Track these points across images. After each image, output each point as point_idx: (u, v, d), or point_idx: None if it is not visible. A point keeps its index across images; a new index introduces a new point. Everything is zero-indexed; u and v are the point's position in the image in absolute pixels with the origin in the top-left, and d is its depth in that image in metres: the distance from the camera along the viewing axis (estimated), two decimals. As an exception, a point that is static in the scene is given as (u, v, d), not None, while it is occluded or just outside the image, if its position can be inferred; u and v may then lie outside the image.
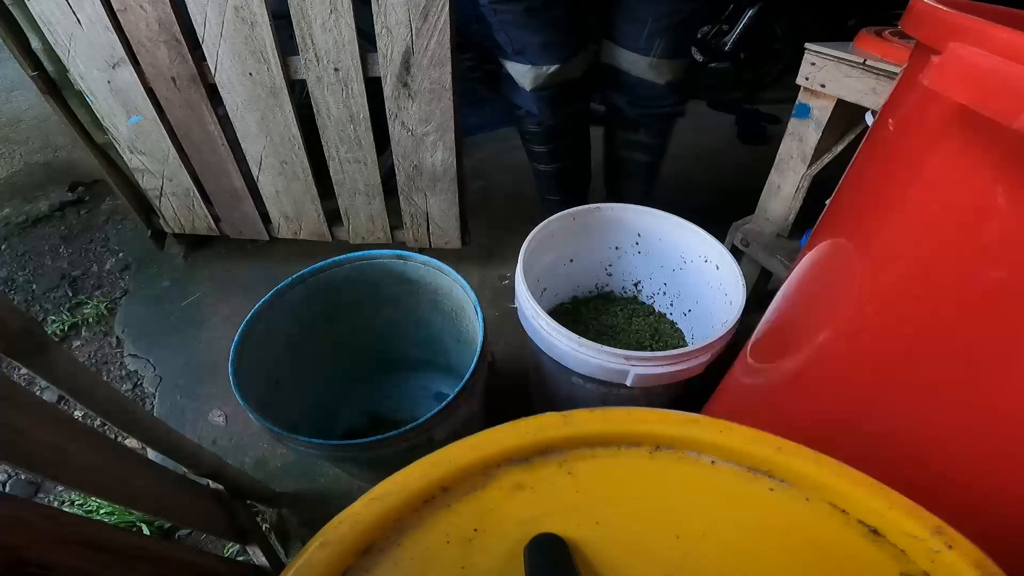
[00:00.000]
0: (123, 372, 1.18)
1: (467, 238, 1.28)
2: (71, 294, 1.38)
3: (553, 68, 1.07)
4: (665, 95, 1.09)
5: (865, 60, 0.79)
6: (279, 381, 0.81)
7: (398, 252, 0.84)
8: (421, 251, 1.41)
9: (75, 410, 1.06)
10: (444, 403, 0.63)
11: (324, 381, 0.95)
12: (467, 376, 0.66)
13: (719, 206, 1.23)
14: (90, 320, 1.30)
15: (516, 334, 1.21)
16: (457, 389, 0.64)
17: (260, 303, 0.75)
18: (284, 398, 0.82)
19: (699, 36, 2.11)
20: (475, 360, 0.68)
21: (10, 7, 1.00)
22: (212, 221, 1.32)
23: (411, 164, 1.13)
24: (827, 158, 0.95)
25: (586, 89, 1.22)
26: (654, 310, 1.07)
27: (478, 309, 0.73)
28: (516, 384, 1.11)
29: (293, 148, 1.14)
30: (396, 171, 1.15)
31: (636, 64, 1.05)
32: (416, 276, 0.86)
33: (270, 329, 0.77)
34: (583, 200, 1.44)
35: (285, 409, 0.80)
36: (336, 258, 0.83)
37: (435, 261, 0.82)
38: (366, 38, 0.95)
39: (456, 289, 0.81)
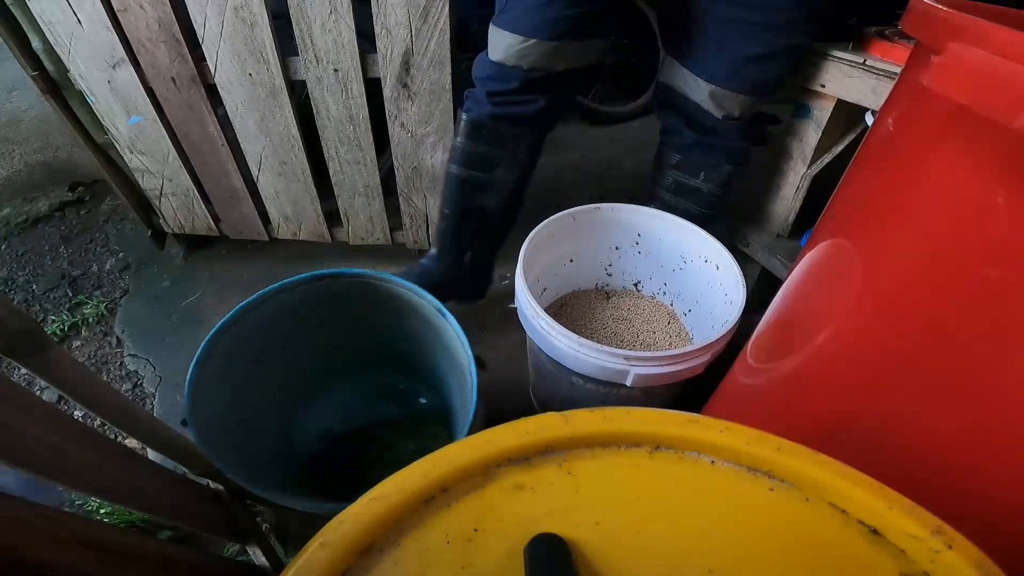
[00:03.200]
0: (123, 372, 1.18)
1: (467, 238, 1.28)
2: (71, 294, 1.38)
3: (531, 41, 0.80)
4: (723, 131, 0.92)
5: (865, 60, 0.79)
6: (244, 414, 0.77)
7: (379, 274, 0.80)
8: (420, 252, 1.42)
9: (75, 410, 1.06)
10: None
11: (293, 405, 0.93)
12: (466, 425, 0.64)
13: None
14: (90, 320, 1.30)
15: (516, 334, 1.21)
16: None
17: (223, 321, 0.72)
18: (253, 439, 0.78)
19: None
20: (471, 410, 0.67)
21: (11, 7, 1.00)
22: (212, 221, 1.33)
23: (411, 165, 1.13)
24: (827, 158, 0.94)
25: (570, 92, 0.95)
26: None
27: (454, 324, 0.71)
28: (516, 384, 1.11)
29: (293, 149, 1.14)
30: (396, 172, 1.15)
31: (696, 89, 0.89)
32: (397, 296, 0.82)
33: (232, 352, 0.74)
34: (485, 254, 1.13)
35: (255, 445, 0.78)
36: (304, 275, 0.79)
37: (415, 287, 0.78)
38: (366, 38, 0.95)
39: (433, 314, 0.77)
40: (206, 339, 0.69)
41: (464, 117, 0.92)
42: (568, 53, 0.84)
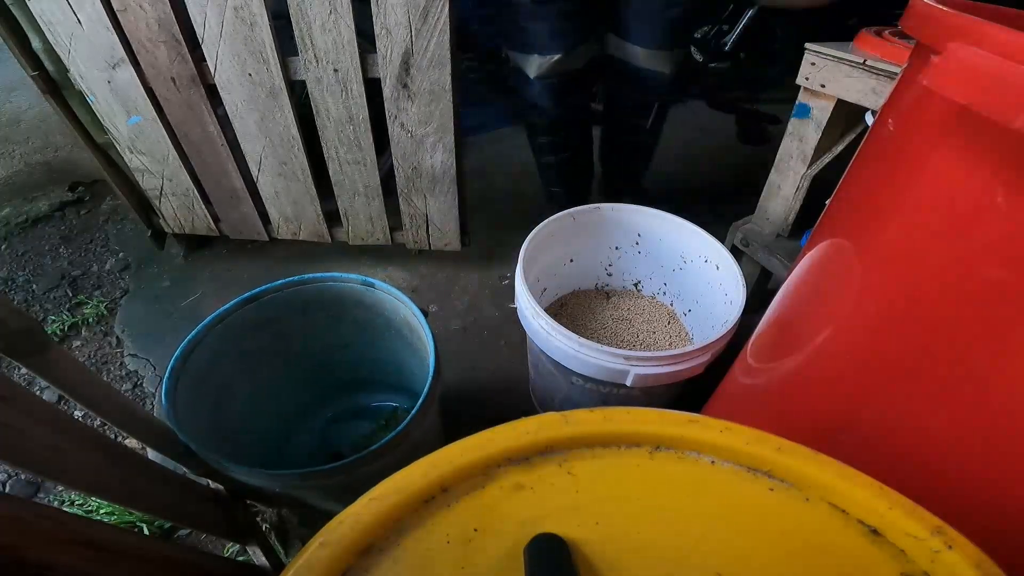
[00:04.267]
0: (123, 372, 1.18)
1: (467, 239, 1.28)
2: (71, 294, 1.38)
3: (556, 57, 1.14)
4: (665, 83, 1.19)
5: (865, 60, 0.79)
6: (223, 412, 0.78)
7: (362, 278, 0.81)
8: (420, 253, 1.43)
9: (75, 410, 1.06)
10: (391, 435, 0.62)
11: (275, 414, 0.92)
12: (404, 423, 0.64)
13: (719, 206, 1.23)
14: (90, 320, 1.30)
15: (516, 334, 1.21)
16: (394, 433, 0.63)
17: (197, 330, 0.74)
18: (232, 430, 0.79)
19: (699, 36, 2.13)
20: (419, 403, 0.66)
21: (11, 7, 1.00)
22: (212, 221, 1.32)
23: (410, 165, 1.13)
24: (827, 158, 0.94)
25: (588, 81, 1.29)
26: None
27: (426, 327, 0.71)
28: (516, 384, 1.11)
29: (292, 149, 1.14)
30: (395, 172, 1.15)
31: (637, 55, 1.15)
32: (375, 301, 0.83)
33: (211, 365, 0.76)
34: (586, 192, 1.53)
35: (238, 440, 0.79)
36: (281, 280, 0.80)
37: (395, 291, 0.78)
38: (366, 38, 0.95)
39: (411, 317, 0.77)
40: (169, 368, 0.71)
41: (536, 119, 1.31)
42: (579, 54, 1.17)
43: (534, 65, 1.17)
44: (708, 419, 0.32)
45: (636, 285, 1.08)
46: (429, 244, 1.28)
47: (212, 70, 1.03)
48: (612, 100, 1.36)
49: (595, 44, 1.20)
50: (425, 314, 0.73)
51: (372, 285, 0.79)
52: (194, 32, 0.98)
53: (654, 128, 1.34)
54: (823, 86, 0.87)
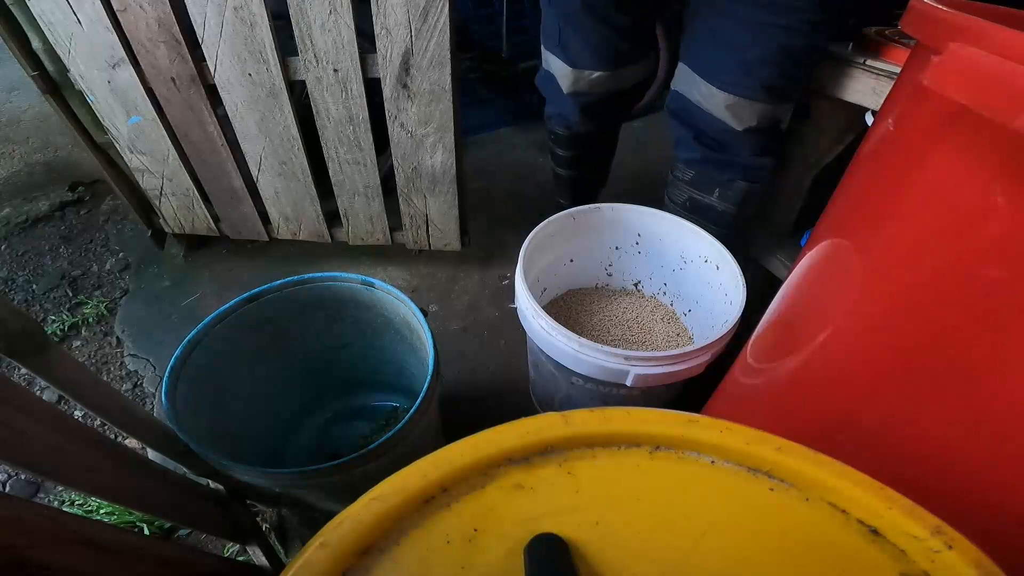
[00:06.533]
0: (123, 372, 1.18)
1: (467, 239, 1.28)
2: (71, 294, 1.38)
3: (597, 74, 0.98)
4: (739, 145, 0.88)
5: (865, 60, 0.79)
6: (223, 412, 0.78)
7: (361, 278, 0.80)
8: (420, 253, 1.43)
9: (75, 410, 1.06)
10: (390, 434, 0.62)
11: (274, 414, 0.92)
12: (402, 422, 0.64)
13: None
14: (90, 320, 1.30)
15: (516, 334, 1.21)
16: (393, 431, 0.63)
17: (197, 330, 0.74)
18: (232, 431, 0.79)
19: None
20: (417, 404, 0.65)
21: (11, 7, 1.00)
22: (212, 221, 1.32)
23: (410, 166, 1.13)
24: (827, 158, 0.94)
25: (629, 103, 1.14)
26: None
27: (426, 327, 0.71)
28: (516, 384, 1.11)
29: (292, 149, 1.14)
30: (395, 172, 1.15)
31: (711, 99, 0.85)
32: (374, 301, 0.83)
33: (211, 365, 0.76)
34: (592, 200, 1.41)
35: (236, 440, 0.79)
36: (282, 280, 0.80)
37: (395, 291, 0.78)
38: (367, 38, 0.95)
39: (411, 317, 0.77)
40: (170, 365, 0.71)
41: (560, 131, 1.15)
42: (626, 75, 1.03)
43: (569, 78, 1.00)
44: (708, 419, 0.32)
45: (636, 285, 1.08)
46: (429, 244, 1.28)
47: (212, 70, 1.03)
48: (676, 156, 1.02)
49: (649, 65, 1.05)
50: (425, 314, 0.73)
51: (372, 285, 0.79)
52: (194, 32, 0.98)
53: (730, 215, 1.00)
54: (823, 86, 0.87)
